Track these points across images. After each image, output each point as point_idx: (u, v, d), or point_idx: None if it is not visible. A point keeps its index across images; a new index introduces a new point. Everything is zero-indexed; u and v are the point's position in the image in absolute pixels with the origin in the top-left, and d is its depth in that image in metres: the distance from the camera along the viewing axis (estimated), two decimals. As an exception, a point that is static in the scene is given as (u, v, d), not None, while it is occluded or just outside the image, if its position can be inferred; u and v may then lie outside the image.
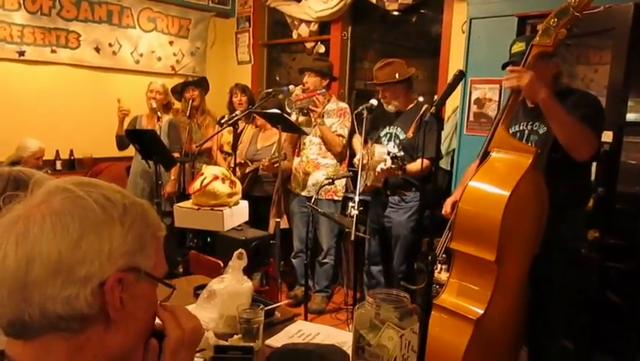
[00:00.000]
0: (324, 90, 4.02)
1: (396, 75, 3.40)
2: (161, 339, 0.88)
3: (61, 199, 0.76)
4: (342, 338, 1.75)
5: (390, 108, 3.55)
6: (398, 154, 3.14)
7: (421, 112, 3.35)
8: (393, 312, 1.50)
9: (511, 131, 2.55)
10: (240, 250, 1.82)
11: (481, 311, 2.21)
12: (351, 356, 1.53)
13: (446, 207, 2.70)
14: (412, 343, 1.51)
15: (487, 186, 2.25)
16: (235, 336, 1.66)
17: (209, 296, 1.78)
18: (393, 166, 3.03)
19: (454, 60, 4.03)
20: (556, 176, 2.32)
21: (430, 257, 1.77)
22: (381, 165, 3.12)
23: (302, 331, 1.81)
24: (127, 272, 0.77)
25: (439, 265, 2.80)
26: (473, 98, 3.80)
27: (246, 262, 1.83)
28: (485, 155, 2.37)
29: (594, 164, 2.69)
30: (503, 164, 2.29)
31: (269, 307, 1.83)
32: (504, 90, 3.62)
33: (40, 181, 0.82)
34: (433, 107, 1.82)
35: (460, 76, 1.96)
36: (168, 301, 0.93)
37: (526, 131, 2.52)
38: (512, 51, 2.55)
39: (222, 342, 1.60)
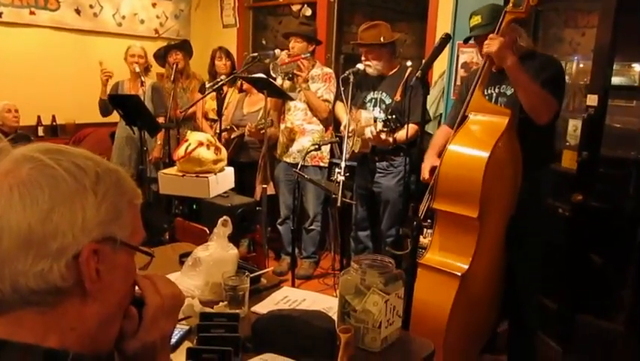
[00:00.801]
0: (308, 55, 3.96)
1: (381, 38, 3.35)
2: (140, 307, 0.87)
3: (29, 169, 0.72)
4: (328, 304, 1.77)
5: (372, 71, 3.49)
6: (389, 117, 3.11)
7: (406, 76, 3.32)
8: (378, 277, 1.51)
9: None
10: (224, 217, 1.81)
11: (466, 267, 2.28)
12: (336, 321, 1.54)
13: (424, 173, 2.74)
14: (397, 308, 1.53)
15: (466, 148, 2.33)
16: (221, 303, 1.66)
17: (193, 264, 1.78)
18: (385, 129, 3.01)
19: (442, 24, 3.97)
20: (525, 135, 2.41)
21: (414, 222, 1.77)
22: (371, 129, 3.09)
23: (288, 297, 1.82)
24: (102, 243, 0.75)
25: (424, 230, 2.82)
26: (460, 62, 3.77)
27: (230, 229, 1.82)
28: (463, 119, 2.42)
29: (579, 127, 2.79)
30: (481, 126, 2.37)
31: (254, 274, 1.84)
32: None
33: (6, 149, 0.77)
34: (419, 72, 1.80)
35: (447, 39, 1.95)
36: (148, 269, 0.92)
37: (494, 95, 2.60)
38: (470, 25, 2.63)
39: (208, 309, 1.61)
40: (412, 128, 3.27)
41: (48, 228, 0.70)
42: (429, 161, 2.77)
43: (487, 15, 2.53)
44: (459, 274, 2.26)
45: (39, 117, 4.91)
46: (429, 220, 2.50)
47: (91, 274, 0.74)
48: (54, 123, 5.03)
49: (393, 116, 3.11)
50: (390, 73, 3.53)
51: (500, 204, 2.39)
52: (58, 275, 0.71)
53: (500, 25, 2.35)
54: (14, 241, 0.69)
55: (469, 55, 3.70)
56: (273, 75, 3.92)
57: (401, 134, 3.26)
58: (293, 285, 3.44)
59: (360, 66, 3.43)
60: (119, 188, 0.79)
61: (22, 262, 0.70)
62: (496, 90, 2.60)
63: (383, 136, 3.09)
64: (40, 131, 4.93)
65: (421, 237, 2.71)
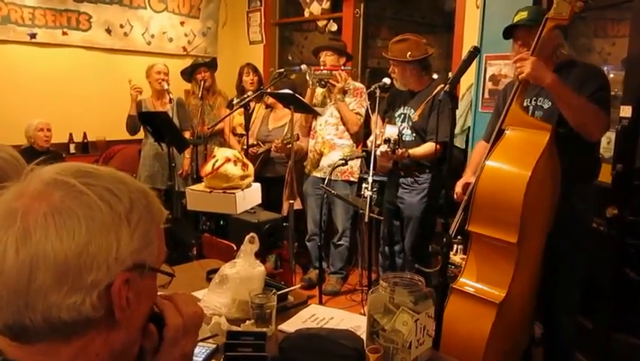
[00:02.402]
0: (349, 67, 3.97)
1: (408, 55, 3.31)
2: (158, 323, 0.86)
3: (62, 195, 0.71)
4: (357, 322, 1.74)
5: (399, 86, 3.47)
6: (393, 138, 3.09)
7: (434, 93, 3.28)
8: (407, 296, 1.48)
9: None
10: (251, 233, 1.80)
11: (504, 294, 2.16)
12: (365, 340, 1.51)
13: (457, 189, 2.64)
14: (427, 327, 1.49)
15: (505, 165, 2.18)
16: (248, 322, 1.65)
17: (221, 281, 1.77)
18: (388, 150, 3.01)
19: (469, 36, 3.93)
20: (564, 150, 2.27)
21: (444, 239, 1.73)
22: (380, 149, 3.09)
23: (315, 315, 1.80)
24: (133, 270, 0.75)
25: (454, 246, 2.77)
26: (488, 74, 3.72)
27: (257, 246, 1.81)
28: (499, 134, 2.30)
29: (612, 139, 2.66)
30: (520, 142, 2.22)
31: (281, 291, 1.82)
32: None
33: (35, 168, 0.76)
34: (447, 85, 1.77)
35: (475, 52, 1.91)
36: (173, 286, 0.91)
37: (531, 107, 2.48)
38: (514, 20, 2.48)
39: (235, 328, 1.59)
40: (430, 146, 3.24)
41: (84, 260, 0.69)
42: (465, 177, 2.68)
43: (534, 13, 2.40)
44: (496, 302, 2.15)
45: (71, 135, 5.02)
46: (459, 237, 2.43)
47: (122, 303, 0.74)
48: (85, 140, 5.13)
49: (396, 138, 3.11)
50: (421, 89, 3.48)
51: (540, 224, 2.25)
52: (90, 307, 0.71)
53: (541, 32, 2.22)
54: (50, 273, 0.68)
55: (497, 67, 3.65)
56: (307, 79, 3.94)
57: (417, 150, 3.24)
58: (320, 301, 3.41)
59: (386, 80, 3.41)
60: (150, 213, 0.79)
61: (56, 295, 0.69)
62: (533, 103, 2.48)
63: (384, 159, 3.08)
64: (72, 148, 5.03)
65: (451, 253, 2.65)
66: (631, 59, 2.77)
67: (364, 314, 3.22)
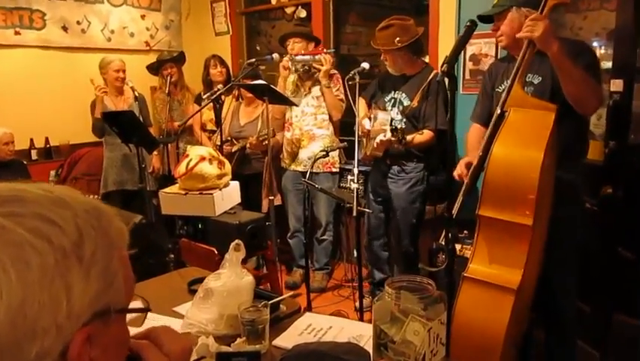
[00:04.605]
0: (332, 50, 3.82)
1: (396, 41, 3.12)
2: None
3: None
4: (357, 331, 1.59)
5: (393, 72, 3.31)
6: (398, 125, 2.92)
7: (429, 78, 3.12)
8: (416, 302, 1.33)
9: (502, 88, 2.39)
10: (236, 241, 1.62)
11: (519, 278, 2.05)
12: (371, 354, 1.35)
13: (461, 169, 2.49)
14: (440, 335, 1.34)
15: (516, 149, 2.08)
16: (239, 339, 1.47)
17: (205, 295, 1.59)
18: (393, 139, 2.83)
19: (445, 16, 3.79)
20: (558, 128, 2.15)
21: (449, 234, 1.58)
22: (381, 137, 2.91)
23: (312, 325, 1.64)
24: (94, 322, 0.56)
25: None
26: (468, 54, 3.59)
27: (244, 253, 1.63)
28: (501, 115, 2.17)
29: (603, 115, 2.59)
30: (527, 123, 2.11)
31: (273, 301, 1.65)
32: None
33: None
34: (445, 65, 1.61)
35: (473, 26, 1.76)
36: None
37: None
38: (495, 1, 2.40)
39: (225, 348, 1.42)
40: (429, 134, 3.10)
41: (21, 329, 0.50)
42: (467, 157, 2.55)
43: None
44: (514, 288, 2.03)
45: (32, 140, 4.74)
46: (465, 231, 2.29)
47: None
48: (48, 145, 4.85)
49: (403, 126, 2.93)
50: (414, 73, 3.30)
51: (547, 205, 2.17)
52: None
53: (543, 7, 2.08)
54: None
55: (477, 46, 3.52)
56: (291, 68, 3.78)
57: (419, 138, 3.08)
58: (308, 299, 3.27)
59: (365, 65, 3.23)
60: (107, 237, 0.59)
61: None
62: (522, 79, 2.35)
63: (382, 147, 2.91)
64: (34, 155, 4.77)
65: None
66: (619, 32, 2.68)
67: (356, 310, 3.10)
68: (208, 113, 4.38)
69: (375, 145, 2.99)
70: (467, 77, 3.61)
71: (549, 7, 2.06)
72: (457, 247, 2.64)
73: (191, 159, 2.66)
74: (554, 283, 2.36)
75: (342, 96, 3.82)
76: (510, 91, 2.15)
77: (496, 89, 2.49)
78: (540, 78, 2.30)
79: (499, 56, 3.43)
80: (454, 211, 2.05)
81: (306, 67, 3.83)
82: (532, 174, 1.99)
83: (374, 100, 3.37)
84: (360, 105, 3.45)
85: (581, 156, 2.45)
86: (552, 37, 2.04)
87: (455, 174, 2.44)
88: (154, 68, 4.70)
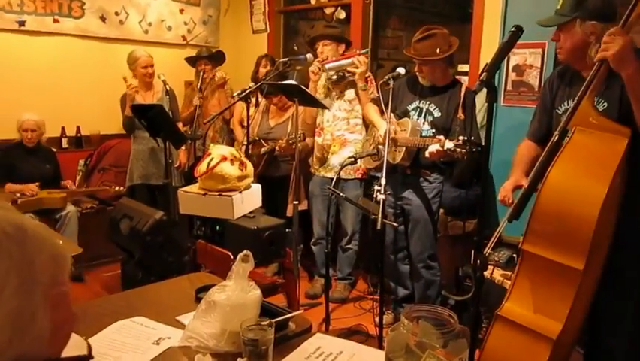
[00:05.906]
0: (365, 51, 3.70)
1: (437, 50, 2.94)
2: None
3: None
4: (370, 359, 1.45)
5: (426, 83, 3.13)
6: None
7: (463, 93, 2.94)
8: (436, 337, 1.18)
9: (562, 109, 2.16)
10: (244, 251, 1.50)
11: (560, 328, 1.84)
12: (382, 389, 1.22)
13: (506, 192, 2.29)
14: (460, 376, 1.19)
15: (576, 177, 1.82)
16: (239, 359, 1.36)
17: (208, 308, 1.48)
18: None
19: (489, 24, 3.61)
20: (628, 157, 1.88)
21: (478, 261, 1.43)
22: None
23: (321, 349, 1.50)
24: None
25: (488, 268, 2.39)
26: (512, 64, 3.42)
27: (252, 265, 1.51)
28: (563, 134, 1.93)
29: None
30: (592, 148, 1.85)
31: (280, 318, 1.53)
32: (547, 55, 3.23)
33: None
34: (484, 73, 1.46)
35: (518, 32, 1.58)
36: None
37: None
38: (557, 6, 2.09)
39: (222, 369, 1.30)
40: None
41: None
42: (513, 177, 2.33)
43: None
44: (552, 338, 1.82)
45: (63, 128, 4.74)
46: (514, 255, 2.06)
47: None
48: (78, 135, 4.85)
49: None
50: (443, 84, 3.11)
51: (605, 245, 1.91)
52: None
53: (627, 18, 1.82)
54: None
55: (521, 56, 3.34)
56: (327, 73, 3.67)
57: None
58: (327, 309, 3.15)
59: (400, 70, 3.07)
60: (28, 270, 0.45)
61: None
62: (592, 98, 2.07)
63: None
64: (65, 143, 4.77)
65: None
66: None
67: (376, 325, 2.95)
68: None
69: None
70: (509, 88, 3.43)
71: (634, 18, 1.79)
72: (498, 274, 2.42)
73: (212, 158, 2.56)
74: (606, 318, 2.09)
75: (375, 97, 3.67)
76: (574, 113, 1.89)
77: (556, 109, 2.23)
78: (606, 104, 2.02)
79: (544, 68, 3.25)
80: (487, 250, 1.85)
81: (340, 73, 3.67)
82: (592, 210, 1.73)
83: (392, 106, 3.11)
84: (372, 111, 3.29)
85: None
86: (630, 57, 1.78)
87: (499, 196, 2.23)
88: (191, 61, 4.66)
